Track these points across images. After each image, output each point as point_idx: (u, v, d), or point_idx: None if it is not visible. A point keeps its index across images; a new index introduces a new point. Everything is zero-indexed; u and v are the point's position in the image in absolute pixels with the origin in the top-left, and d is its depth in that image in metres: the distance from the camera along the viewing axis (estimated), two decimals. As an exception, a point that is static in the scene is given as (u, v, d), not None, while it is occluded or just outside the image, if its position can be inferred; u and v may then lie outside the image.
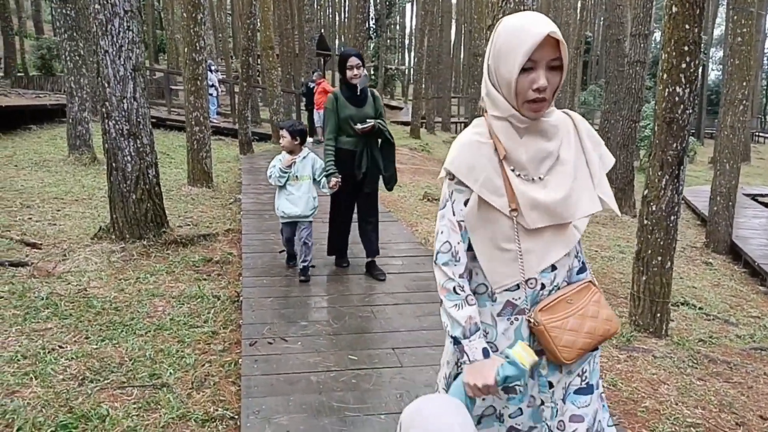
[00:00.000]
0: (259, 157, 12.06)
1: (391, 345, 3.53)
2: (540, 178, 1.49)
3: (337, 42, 48.36)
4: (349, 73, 4.44)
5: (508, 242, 1.49)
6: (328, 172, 4.45)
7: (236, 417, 2.83)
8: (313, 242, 4.70)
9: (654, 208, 4.20)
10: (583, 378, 1.58)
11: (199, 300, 4.35)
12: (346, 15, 45.56)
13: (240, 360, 3.34)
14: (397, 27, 54.81)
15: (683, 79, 4.05)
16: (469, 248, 1.54)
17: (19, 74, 22.65)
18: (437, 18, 28.30)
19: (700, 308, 5.31)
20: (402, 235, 6.18)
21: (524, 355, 1.39)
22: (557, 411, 1.55)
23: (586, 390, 1.57)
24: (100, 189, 7.74)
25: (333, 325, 3.81)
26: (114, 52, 5.32)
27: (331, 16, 53.82)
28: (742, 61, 8.02)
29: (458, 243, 1.52)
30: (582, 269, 1.60)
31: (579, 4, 27.38)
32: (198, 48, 8.80)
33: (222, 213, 7.36)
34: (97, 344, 3.55)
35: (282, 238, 4.81)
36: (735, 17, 8.27)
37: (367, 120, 4.44)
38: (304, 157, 4.59)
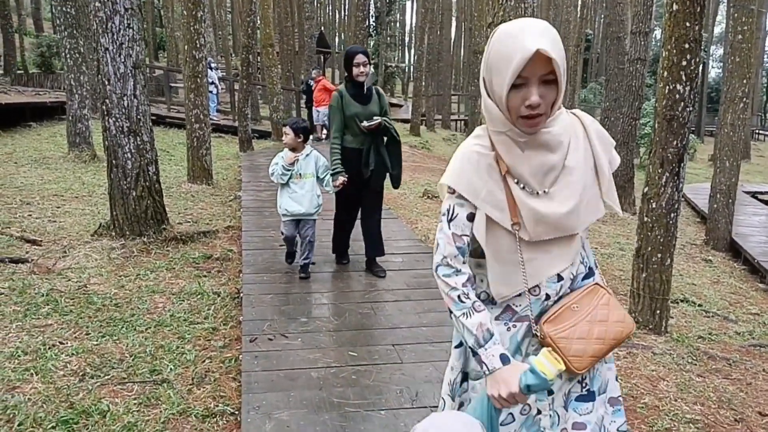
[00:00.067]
0: (259, 154, 12.06)
1: (391, 341, 3.54)
2: (545, 191, 1.44)
3: (337, 39, 48.34)
4: (355, 71, 4.40)
5: (511, 254, 1.45)
6: (334, 171, 4.41)
7: (237, 412, 2.84)
8: (315, 240, 4.69)
9: (654, 206, 4.21)
10: (584, 385, 1.54)
11: (199, 296, 4.36)
12: (347, 12, 45.54)
13: (240, 356, 3.34)
14: (398, 24, 54.76)
15: (684, 77, 4.05)
16: (471, 254, 1.52)
17: (18, 72, 22.64)
18: (437, 15, 28.26)
19: (699, 305, 5.31)
20: (402, 232, 6.18)
21: (546, 364, 1.33)
22: (558, 419, 1.50)
23: (588, 397, 1.54)
24: (100, 186, 7.75)
25: (333, 322, 3.82)
26: (114, 50, 5.32)
27: (331, 13, 53.79)
28: (742, 58, 8.02)
29: (455, 256, 1.48)
30: (588, 274, 1.56)
31: (579, 2, 27.37)
32: (198, 45, 8.79)
33: (222, 210, 7.37)
34: (97, 340, 3.56)
35: (282, 235, 4.73)
36: (735, 15, 8.26)
37: (374, 117, 4.41)
38: (307, 155, 4.54)
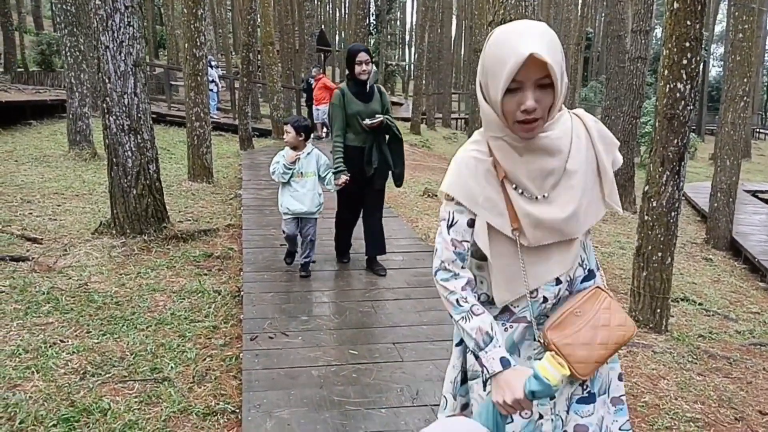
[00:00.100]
0: (260, 152, 12.06)
1: (391, 340, 3.54)
2: (544, 196, 1.42)
3: (337, 38, 48.30)
4: (357, 69, 4.39)
5: (512, 259, 1.44)
6: (337, 170, 4.40)
7: (237, 411, 2.84)
8: (316, 239, 4.69)
9: (654, 204, 4.21)
10: (585, 387, 1.54)
11: (199, 295, 4.36)
12: (347, 11, 45.49)
13: (241, 354, 3.35)
14: (398, 23, 54.69)
15: (684, 76, 4.04)
16: (472, 255, 1.52)
17: (19, 70, 22.61)
18: (438, 14, 28.21)
19: (700, 304, 5.32)
20: (402, 230, 6.18)
21: (550, 369, 1.31)
22: (561, 423, 1.50)
23: (588, 399, 1.53)
24: (101, 184, 7.75)
25: (334, 320, 3.82)
26: (115, 48, 5.32)
27: (331, 12, 53.74)
28: (743, 57, 8.02)
29: (453, 261, 1.48)
30: (588, 277, 1.54)
31: (580, 0, 27.30)
32: (198, 44, 8.79)
33: (222, 208, 7.37)
34: (98, 338, 3.56)
35: (283, 234, 4.68)
36: (736, 13, 8.27)
37: (376, 115, 4.40)
38: (308, 153, 4.51)
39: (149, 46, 28.50)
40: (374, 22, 38.81)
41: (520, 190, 1.42)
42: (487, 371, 1.42)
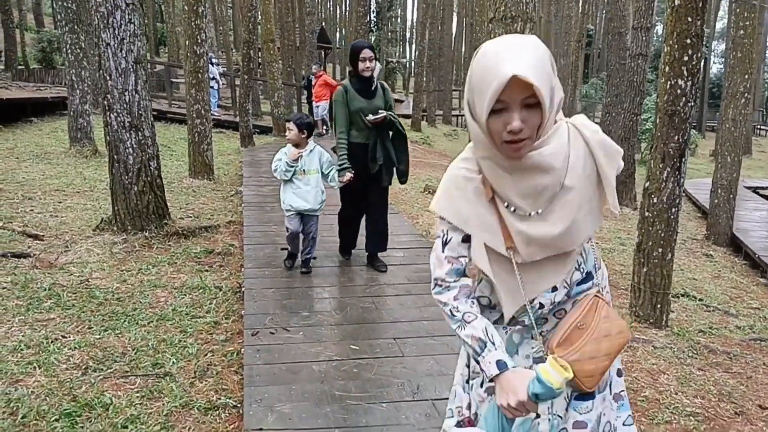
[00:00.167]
0: (260, 149, 12.06)
1: (392, 335, 3.55)
2: (538, 212, 1.38)
3: (338, 35, 48.26)
4: (361, 65, 4.36)
5: (510, 275, 1.44)
6: (341, 167, 4.38)
7: (239, 405, 2.86)
8: (318, 235, 4.69)
9: (655, 200, 4.21)
10: None
11: (201, 291, 4.37)
12: (347, 8, 45.45)
13: (242, 350, 3.36)
14: (398, 20, 54.62)
15: (685, 72, 4.04)
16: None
17: (19, 67, 22.64)
18: (438, 11, 28.18)
19: (700, 300, 5.33)
20: (403, 227, 6.19)
21: (552, 373, 1.31)
22: (559, 422, 1.50)
23: (587, 396, 1.53)
24: (102, 181, 7.76)
25: (335, 316, 3.83)
26: (115, 45, 5.32)
27: (332, 9, 53.68)
28: (744, 54, 8.01)
29: (445, 275, 1.49)
30: (585, 279, 1.51)
31: (581, -3, 27.26)
32: (199, 41, 8.79)
33: (223, 205, 7.38)
34: (99, 334, 3.57)
35: (287, 232, 4.63)
36: (738, 10, 8.26)
37: (379, 111, 4.38)
38: (310, 151, 4.48)
39: (150, 43, 28.48)
40: (375, 19, 38.75)
41: (512, 208, 1.40)
42: (486, 375, 1.43)
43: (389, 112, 4.44)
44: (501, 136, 1.30)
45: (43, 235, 5.39)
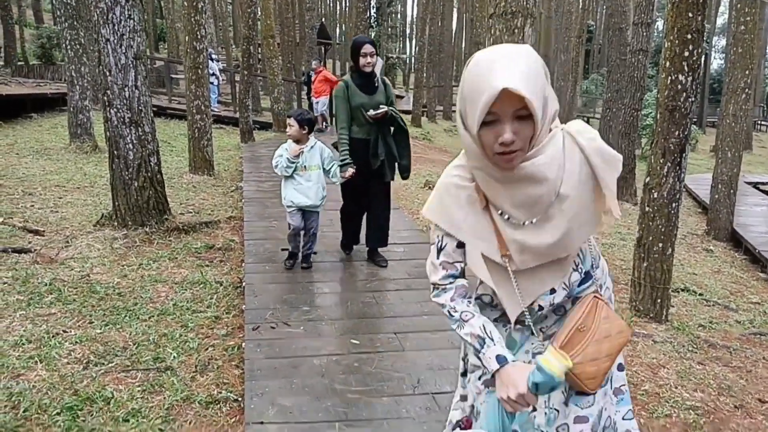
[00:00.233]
0: (260, 145, 12.05)
1: (392, 329, 3.56)
2: (532, 222, 1.38)
3: (338, 31, 48.17)
4: (362, 61, 4.34)
5: (505, 282, 1.45)
6: (343, 162, 4.36)
7: (240, 399, 2.87)
8: (318, 231, 4.69)
9: (656, 195, 4.21)
10: None
11: (201, 286, 4.37)
12: (347, 4, 45.33)
13: (243, 344, 3.37)
14: (399, 16, 54.51)
15: (686, 67, 4.04)
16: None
17: (19, 63, 22.60)
18: (438, 6, 28.10)
19: (700, 294, 5.33)
20: (403, 222, 6.19)
21: (553, 361, 1.33)
22: (556, 416, 1.50)
23: None
24: (102, 177, 7.76)
25: (335, 311, 3.84)
26: (115, 41, 5.31)
27: (331, 4, 53.55)
28: (745, 49, 7.99)
29: (441, 279, 1.52)
30: (585, 279, 1.52)
31: (581, -7, 27.17)
32: (199, 36, 8.77)
33: (224, 200, 7.38)
34: (101, 329, 3.58)
35: (289, 227, 4.56)
36: (739, 5, 8.24)
37: (380, 106, 4.37)
38: (311, 147, 4.45)
39: (149, 39, 28.45)
40: (375, 15, 38.67)
41: (506, 216, 1.40)
42: (488, 370, 1.45)
43: (390, 108, 4.42)
44: (493, 148, 1.29)
45: (43, 231, 5.40)
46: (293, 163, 4.39)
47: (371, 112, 4.33)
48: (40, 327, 3.53)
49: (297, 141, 4.43)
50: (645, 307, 4.29)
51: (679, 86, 4.06)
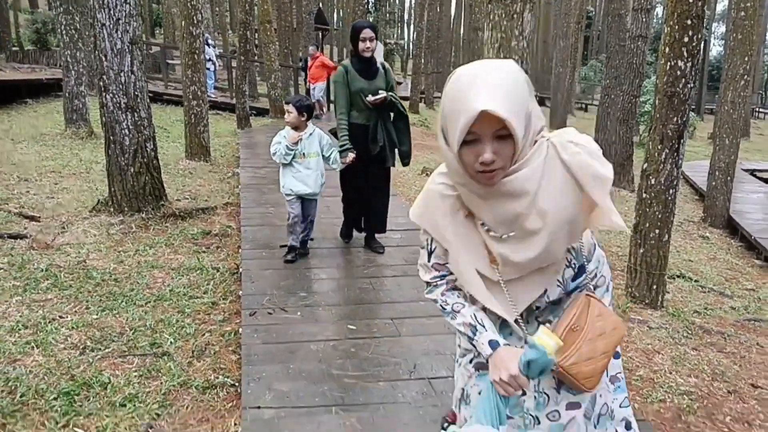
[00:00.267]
0: (257, 131, 12.01)
1: (389, 315, 3.57)
2: (510, 235, 1.37)
3: (335, 16, 47.80)
4: (361, 45, 4.29)
5: (496, 291, 1.46)
6: (343, 148, 4.32)
7: (237, 384, 2.88)
8: (315, 218, 4.67)
9: (653, 182, 4.21)
10: None
11: (198, 272, 4.37)
12: (345, -12, 44.95)
13: (240, 329, 3.37)
14: (397, 1, 54.13)
15: (685, 53, 4.02)
16: None
17: (14, 48, 22.38)
18: (437, -8, 27.89)
19: (695, 281, 5.35)
20: (400, 209, 6.17)
21: (546, 338, 1.33)
22: (546, 401, 1.50)
23: None
24: (98, 163, 7.73)
25: (332, 296, 3.85)
26: (111, 25, 5.27)
27: (329, -11, 53.08)
28: (744, 35, 7.95)
29: (432, 278, 1.58)
30: (579, 273, 1.49)
31: (581, -22, 26.95)
32: (195, 22, 8.70)
33: (220, 187, 7.36)
34: (97, 314, 3.58)
35: (289, 217, 4.43)
36: (738, -9, 8.17)
37: (379, 92, 4.32)
38: (310, 134, 4.37)
39: (145, 24, 28.20)
40: (373, 1, 38.40)
41: (486, 227, 1.40)
42: (483, 356, 1.47)
43: (390, 93, 4.39)
44: (474, 166, 1.28)
45: (39, 217, 5.38)
46: (292, 150, 4.31)
47: (370, 98, 4.29)
48: (36, 312, 3.53)
49: (295, 128, 4.34)
50: (641, 293, 4.30)
51: (679, 72, 4.04)
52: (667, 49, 4.09)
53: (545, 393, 1.50)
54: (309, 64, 14.63)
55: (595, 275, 1.55)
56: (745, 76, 8.05)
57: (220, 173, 8.27)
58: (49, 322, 3.42)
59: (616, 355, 1.62)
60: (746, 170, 13.31)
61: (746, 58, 8.01)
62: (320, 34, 27.87)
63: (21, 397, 2.67)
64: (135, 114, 5.48)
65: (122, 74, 5.36)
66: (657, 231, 4.22)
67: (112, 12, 5.22)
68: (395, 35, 50.53)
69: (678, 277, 5.36)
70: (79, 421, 2.55)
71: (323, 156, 4.44)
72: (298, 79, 18.64)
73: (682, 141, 4.16)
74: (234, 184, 7.48)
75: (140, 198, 5.57)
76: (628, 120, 10.48)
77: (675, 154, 4.15)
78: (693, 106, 4.95)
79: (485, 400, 1.45)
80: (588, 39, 39.03)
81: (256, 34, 17.89)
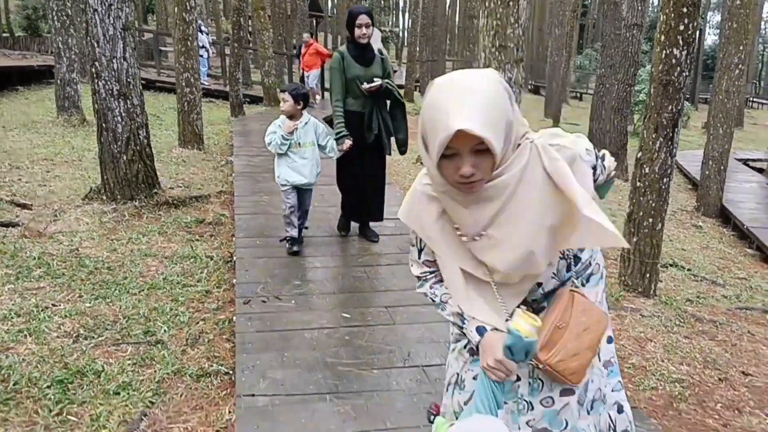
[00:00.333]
0: (251, 119, 11.93)
1: (383, 303, 3.57)
2: (482, 236, 1.38)
3: (329, 3, 47.44)
4: (357, 32, 4.25)
5: (487, 293, 1.47)
6: (339, 135, 4.27)
7: (231, 372, 2.88)
8: (310, 207, 4.64)
9: (647, 171, 4.22)
10: None
11: (192, 260, 4.36)
12: (339, -25, 44.60)
13: (234, 318, 3.37)
14: (391, -12, 53.74)
15: (681, 41, 4.01)
16: None
17: (4, 35, 22.15)
18: (432, -21, 27.70)
19: (688, 270, 5.38)
20: (395, 197, 6.15)
21: (521, 323, 1.34)
22: (540, 386, 1.51)
23: None
24: (90, 150, 7.66)
25: (326, 285, 3.85)
26: (103, 11, 5.21)
27: (323, -24, 52.65)
28: (740, 24, 7.95)
29: (422, 273, 1.61)
30: (574, 262, 1.51)
31: (576, -34, 26.83)
32: (188, 8, 8.61)
33: (214, 175, 7.33)
34: (90, 303, 3.57)
35: (285, 207, 4.34)
36: (734, -21, 8.15)
37: (374, 79, 4.29)
38: (305, 123, 4.30)
39: (138, 11, 27.86)
40: (367, -12, 38.12)
41: (459, 233, 1.42)
42: (473, 343, 1.50)
43: (386, 81, 4.35)
44: (453, 178, 1.29)
45: (31, 205, 5.34)
46: (287, 140, 4.23)
47: (365, 85, 4.26)
48: (29, 301, 3.51)
49: (291, 117, 4.25)
50: (633, 281, 4.32)
51: (674, 60, 4.03)
52: (662, 37, 4.08)
53: (540, 379, 1.51)
54: (303, 51, 14.54)
55: (590, 264, 1.56)
56: (740, 65, 8.06)
57: (213, 161, 8.23)
58: (42, 310, 3.40)
59: (609, 340, 1.63)
60: (739, 160, 13.37)
61: (741, 47, 8.02)
62: (314, 21, 27.68)
63: (14, 385, 2.66)
64: (127, 101, 5.43)
65: (114, 61, 5.31)
66: (650, 220, 4.23)
67: (103, -3, 5.16)
68: (390, 23, 50.24)
69: (671, 265, 5.39)
70: (73, 409, 2.55)
71: (319, 145, 4.40)
72: (292, 67, 18.52)
73: (676, 130, 4.16)
74: (227, 172, 7.44)
75: (133, 186, 5.54)
76: (622, 109, 10.47)
77: (669, 143, 4.15)
78: (687, 96, 4.95)
79: (481, 387, 1.46)
80: (584, 27, 38.94)
81: (250, 21, 17.77)
